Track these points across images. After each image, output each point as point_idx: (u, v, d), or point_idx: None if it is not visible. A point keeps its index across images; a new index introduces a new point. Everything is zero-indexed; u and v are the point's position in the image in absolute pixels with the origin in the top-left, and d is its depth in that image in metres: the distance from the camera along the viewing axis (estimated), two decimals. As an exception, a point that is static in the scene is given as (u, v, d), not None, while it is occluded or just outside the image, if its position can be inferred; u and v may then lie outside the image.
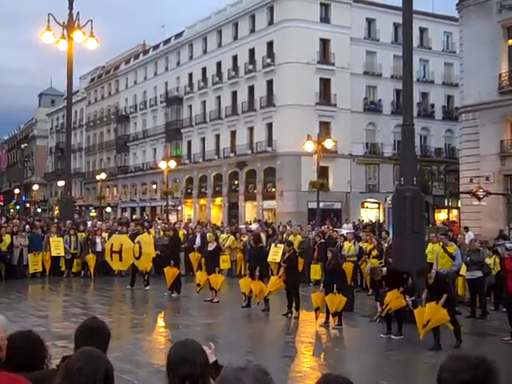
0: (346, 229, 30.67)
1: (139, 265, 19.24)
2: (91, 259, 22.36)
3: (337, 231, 24.47)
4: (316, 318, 13.83)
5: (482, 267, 15.30)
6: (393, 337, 12.18)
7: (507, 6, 30.77)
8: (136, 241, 19.23)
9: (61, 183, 62.76)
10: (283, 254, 16.37)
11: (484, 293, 15.43)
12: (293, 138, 45.82)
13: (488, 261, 15.93)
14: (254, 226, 30.04)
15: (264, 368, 2.43)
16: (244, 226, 29.79)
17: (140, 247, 18.88)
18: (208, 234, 22.42)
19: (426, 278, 11.70)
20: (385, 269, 12.98)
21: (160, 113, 68.56)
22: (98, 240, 22.99)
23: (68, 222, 24.34)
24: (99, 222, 28.23)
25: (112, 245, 20.02)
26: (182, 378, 2.99)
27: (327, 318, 13.69)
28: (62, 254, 22.38)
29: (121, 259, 19.67)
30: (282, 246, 20.89)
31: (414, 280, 12.40)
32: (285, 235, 22.50)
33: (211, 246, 17.72)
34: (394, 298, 12.21)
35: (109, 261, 20.44)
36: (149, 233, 21.23)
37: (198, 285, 17.06)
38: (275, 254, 20.95)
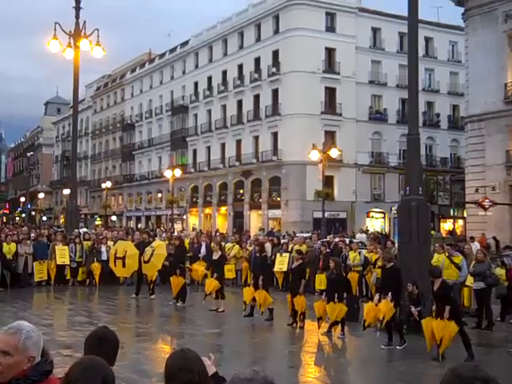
0: (359, 238, 30.45)
1: (146, 269, 19.13)
2: (96, 268, 22.37)
3: (343, 241, 24.37)
4: (318, 328, 13.82)
5: (485, 278, 15.19)
6: (397, 347, 12.09)
7: (513, 16, 30.80)
8: (151, 246, 19.26)
9: (66, 191, 62.76)
10: (292, 262, 16.34)
11: (489, 304, 15.28)
12: (298, 147, 45.87)
13: (498, 272, 15.86)
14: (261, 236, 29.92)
15: (271, 379, 2.41)
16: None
17: (153, 251, 18.85)
18: (212, 244, 22.39)
19: (433, 281, 11.61)
20: (391, 264, 12.83)
21: (165, 121, 68.70)
22: (103, 249, 22.98)
23: (76, 230, 24.45)
24: (105, 231, 28.23)
25: (116, 251, 20.01)
26: None
27: (330, 327, 13.64)
28: (68, 262, 22.40)
29: (124, 265, 19.64)
30: (287, 255, 20.90)
31: (419, 290, 12.32)
32: (290, 245, 22.44)
33: (216, 255, 17.70)
34: (388, 309, 12.13)
35: (112, 267, 20.41)
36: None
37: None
38: (281, 263, 20.97)
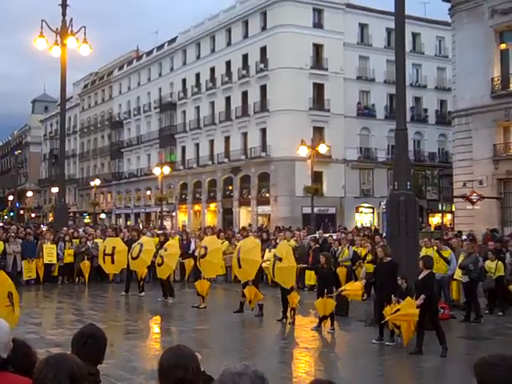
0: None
1: (135, 266, 19.02)
2: (86, 266, 22.25)
3: (331, 236, 24.46)
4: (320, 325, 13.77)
5: (469, 272, 15.26)
6: (387, 343, 12.10)
7: (499, 11, 30.92)
8: (138, 242, 19.18)
9: (55, 190, 62.54)
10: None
11: (476, 297, 15.36)
12: (287, 143, 45.91)
13: (489, 264, 15.92)
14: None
15: (262, 373, 2.41)
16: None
17: (141, 245, 18.77)
18: (196, 240, 22.34)
19: (421, 270, 11.67)
20: (389, 259, 12.83)
21: (154, 118, 68.54)
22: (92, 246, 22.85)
23: (64, 228, 24.30)
24: (91, 229, 28.03)
25: (105, 247, 19.94)
26: None
27: (320, 322, 13.66)
28: (55, 261, 22.22)
29: (113, 262, 19.56)
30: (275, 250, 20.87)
31: (408, 284, 12.35)
32: (278, 240, 22.39)
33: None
34: (353, 289, 12.24)
35: (101, 263, 20.32)
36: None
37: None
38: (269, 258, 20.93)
